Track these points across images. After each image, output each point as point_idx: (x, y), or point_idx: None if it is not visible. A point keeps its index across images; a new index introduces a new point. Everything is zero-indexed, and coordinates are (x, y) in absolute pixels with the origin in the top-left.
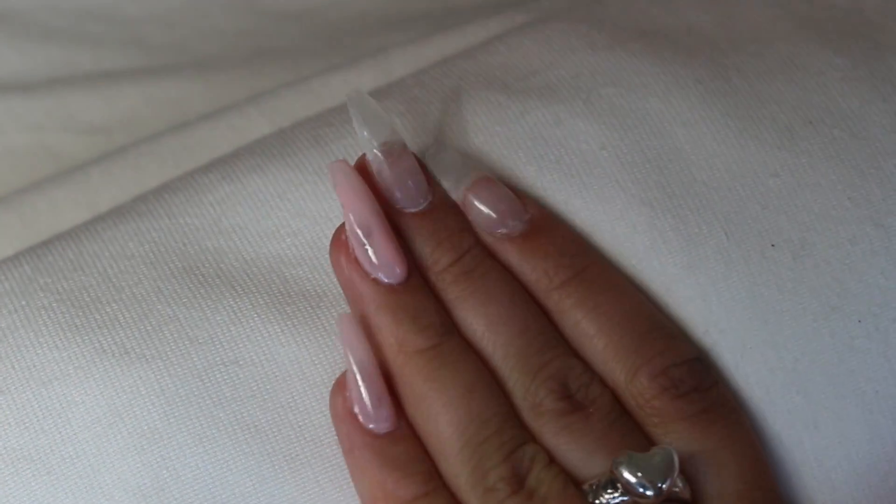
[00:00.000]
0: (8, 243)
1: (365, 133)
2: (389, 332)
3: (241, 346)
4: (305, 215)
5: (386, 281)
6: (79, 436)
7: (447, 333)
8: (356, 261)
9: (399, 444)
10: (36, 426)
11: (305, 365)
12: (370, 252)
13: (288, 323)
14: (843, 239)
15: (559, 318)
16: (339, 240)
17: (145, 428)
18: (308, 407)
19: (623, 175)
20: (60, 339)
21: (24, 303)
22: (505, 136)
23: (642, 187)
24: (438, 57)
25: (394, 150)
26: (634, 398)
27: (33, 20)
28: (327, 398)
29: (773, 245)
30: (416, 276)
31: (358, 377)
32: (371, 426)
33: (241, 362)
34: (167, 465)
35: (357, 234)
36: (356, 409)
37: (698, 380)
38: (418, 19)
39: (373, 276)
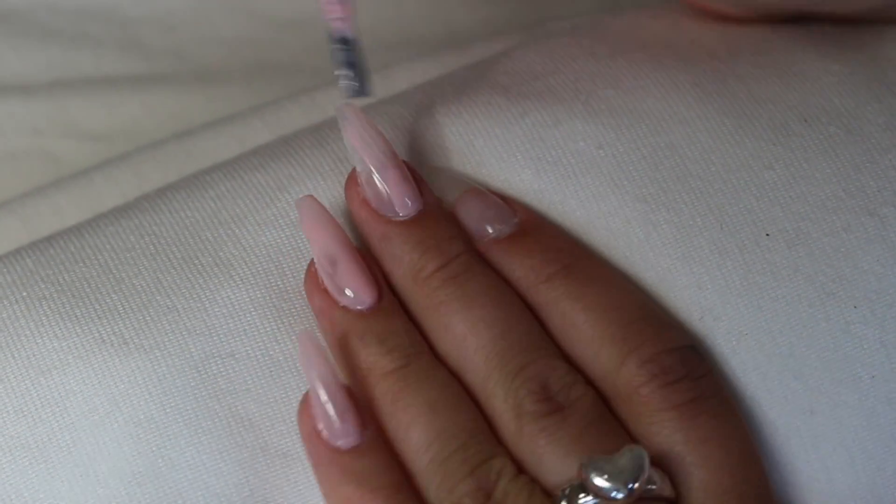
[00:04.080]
0: (10, 247)
1: (352, 143)
2: (358, 358)
3: (237, 339)
4: None
5: (355, 308)
6: (76, 424)
7: (415, 354)
8: (326, 291)
9: (365, 457)
10: (34, 415)
11: (299, 362)
12: (337, 281)
13: (284, 320)
14: (838, 227)
15: (547, 313)
16: (311, 271)
17: (142, 417)
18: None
19: (619, 173)
20: (60, 329)
21: (25, 294)
22: (504, 138)
23: (637, 184)
24: (440, 70)
25: (381, 160)
26: (623, 387)
27: (33, 20)
28: None
29: (767, 234)
30: (387, 299)
31: (319, 394)
32: (337, 442)
33: (237, 356)
34: (162, 453)
35: (323, 265)
36: (320, 426)
37: (689, 368)
38: (420, 43)
39: (342, 304)
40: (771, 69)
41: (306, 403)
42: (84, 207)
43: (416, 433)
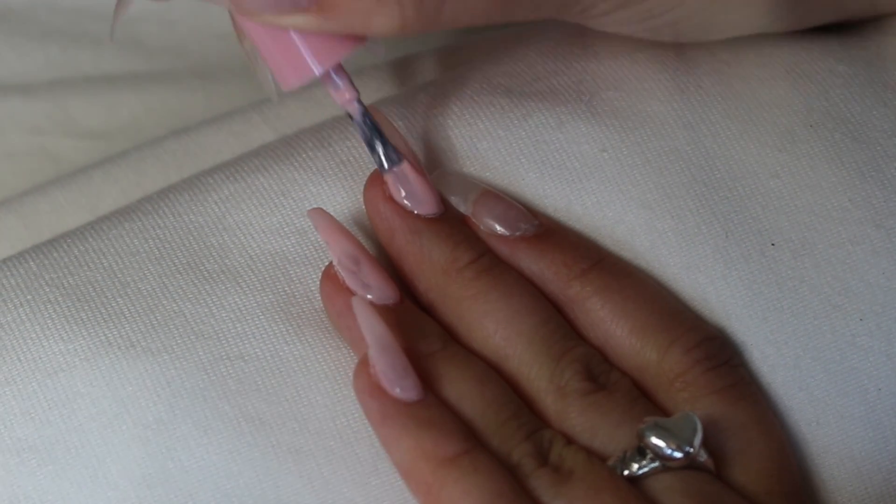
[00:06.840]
0: (10, 245)
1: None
2: None
3: (246, 342)
4: None
5: (379, 304)
6: (84, 426)
7: (450, 340)
8: (348, 289)
9: (432, 407)
10: (41, 417)
11: (310, 362)
12: (361, 278)
13: (293, 323)
14: (844, 239)
15: (579, 307)
16: (329, 273)
17: (150, 419)
18: (313, 400)
19: (623, 178)
20: (66, 332)
21: (29, 297)
22: (508, 141)
23: (642, 190)
24: (441, 68)
25: (411, 162)
26: (665, 374)
27: (32, 18)
28: (332, 392)
29: (773, 244)
30: (407, 301)
31: (381, 350)
32: (399, 394)
33: (246, 357)
34: (172, 455)
35: (346, 264)
36: (383, 382)
37: (729, 355)
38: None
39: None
40: (776, 70)
41: (364, 364)
42: (83, 206)
43: (468, 405)
